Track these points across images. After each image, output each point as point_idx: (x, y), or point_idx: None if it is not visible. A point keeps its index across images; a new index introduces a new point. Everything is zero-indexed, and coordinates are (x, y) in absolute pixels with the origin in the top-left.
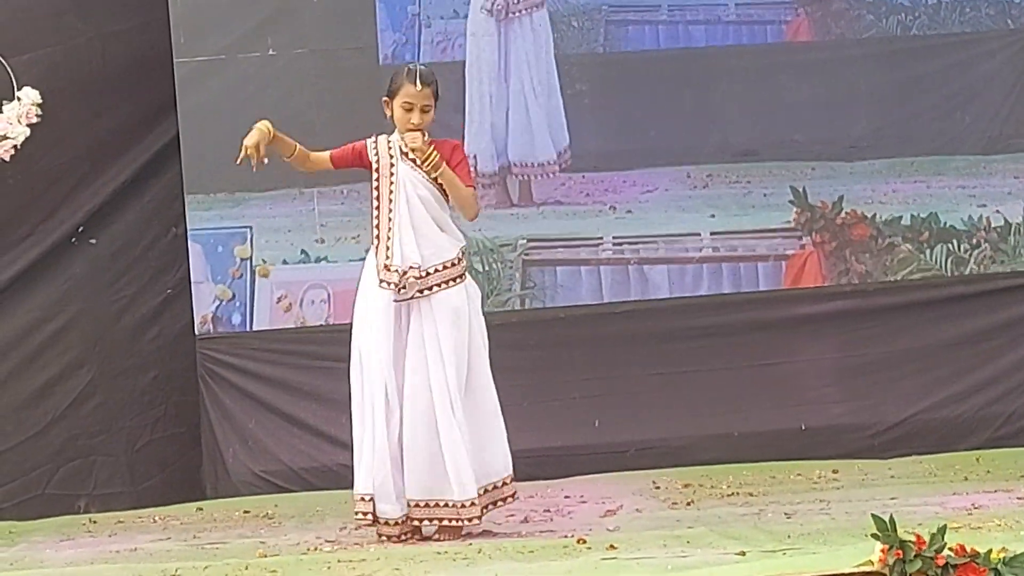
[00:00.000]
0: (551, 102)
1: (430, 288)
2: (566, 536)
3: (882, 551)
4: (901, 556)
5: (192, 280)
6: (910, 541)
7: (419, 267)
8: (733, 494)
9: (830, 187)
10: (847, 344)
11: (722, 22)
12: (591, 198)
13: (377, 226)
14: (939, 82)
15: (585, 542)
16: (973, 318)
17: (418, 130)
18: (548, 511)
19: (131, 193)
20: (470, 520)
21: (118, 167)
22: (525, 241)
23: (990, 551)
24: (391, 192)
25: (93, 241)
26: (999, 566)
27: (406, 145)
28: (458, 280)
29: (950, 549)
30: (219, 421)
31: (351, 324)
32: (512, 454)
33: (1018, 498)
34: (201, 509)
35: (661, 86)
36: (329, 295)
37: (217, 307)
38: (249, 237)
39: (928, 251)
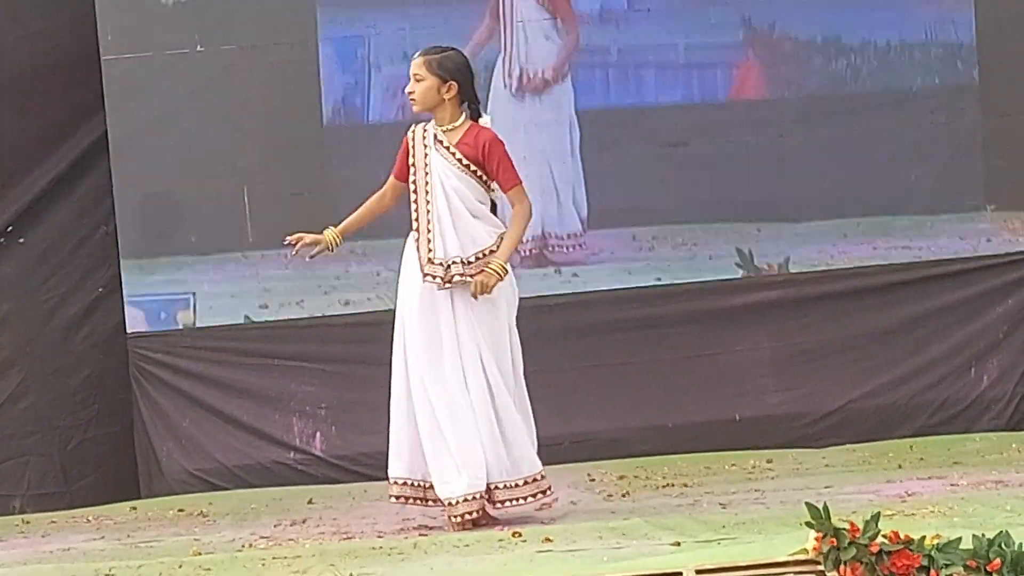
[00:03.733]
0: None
1: (466, 278)
2: (501, 529)
3: (816, 539)
4: (835, 544)
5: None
6: (844, 529)
7: (461, 259)
8: (668, 485)
9: (776, 248)
10: (781, 334)
11: (672, 66)
12: (535, 260)
13: (416, 218)
14: (884, 139)
15: (520, 535)
16: (905, 306)
17: (412, 100)
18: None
19: (60, 192)
20: (546, 492)
21: (46, 166)
22: None
23: (924, 538)
24: (427, 183)
25: (21, 240)
26: (933, 552)
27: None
28: None
29: (884, 536)
30: (152, 420)
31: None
32: None
33: (951, 485)
34: (135, 508)
35: (604, 145)
36: None
37: None
38: (192, 303)
39: None
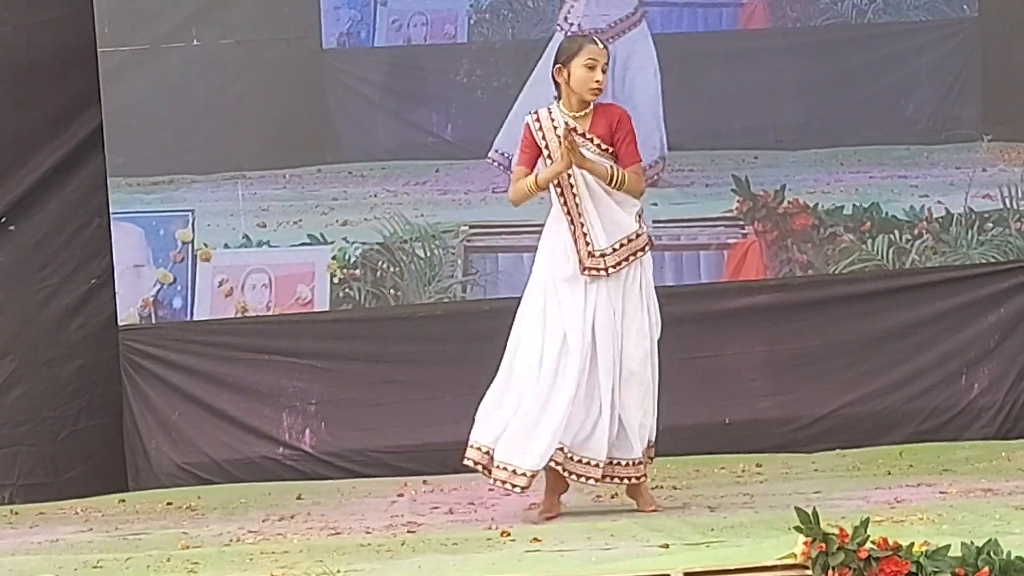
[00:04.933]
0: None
1: (617, 264)
2: (490, 528)
3: (805, 544)
4: (824, 549)
5: (132, 264)
6: (833, 534)
7: (612, 248)
8: (657, 487)
9: (772, 176)
10: (773, 338)
11: (677, 5)
12: None
13: (566, 211)
14: (884, 70)
15: (509, 534)
16: (898, 313)
17: (600, 89)
18: (472, 503)
19: (55, 182)
20: (639, 478)
21: (42, 156)
22: (467, 227)
23: (912, 544)
24: (569, 173)
25: (11, 228)
26: (921, 559)
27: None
28: (645, 250)
29: (873, 542)
30: (141, 412)
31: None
32: (438, 446)
33: (940, 492)
34: (124, 501)
35: (608, 73)
36: (270, 279)
37: (158, 291)
38: (191, 220)
39: (870, 241)
